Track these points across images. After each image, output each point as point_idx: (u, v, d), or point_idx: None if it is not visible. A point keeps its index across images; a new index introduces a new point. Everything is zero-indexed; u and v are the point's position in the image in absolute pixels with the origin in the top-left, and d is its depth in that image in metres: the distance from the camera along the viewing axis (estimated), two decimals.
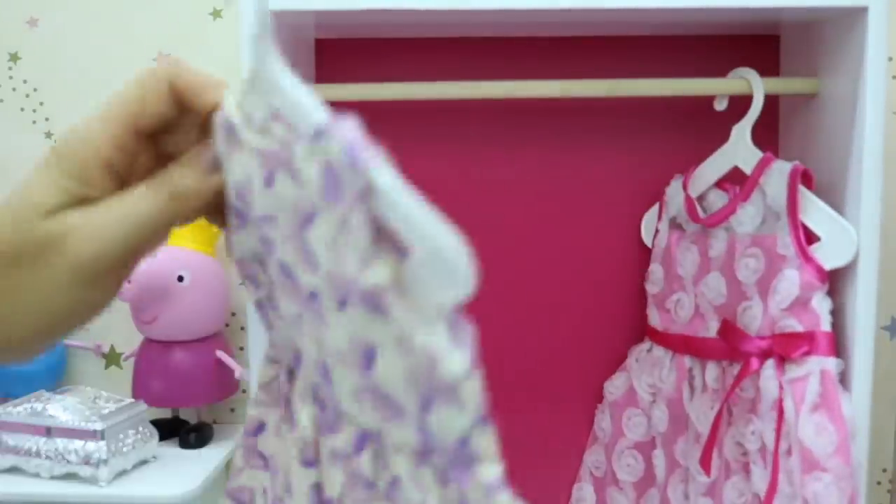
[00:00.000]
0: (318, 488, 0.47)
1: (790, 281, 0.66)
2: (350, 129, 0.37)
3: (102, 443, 0.95)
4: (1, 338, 0.41)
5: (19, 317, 0.40)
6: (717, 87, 0.71)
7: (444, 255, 0.35)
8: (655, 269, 0.79)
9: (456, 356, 0.37)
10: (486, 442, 0.39)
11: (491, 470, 0.39)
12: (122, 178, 0.43)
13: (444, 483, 0.40)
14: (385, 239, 0.37)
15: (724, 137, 0.73)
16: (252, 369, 0.65)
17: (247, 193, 0.43)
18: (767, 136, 0.79)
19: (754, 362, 0.68)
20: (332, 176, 0.38)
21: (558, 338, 0.83)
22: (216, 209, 0.45)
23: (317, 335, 0.43)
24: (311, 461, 0.47)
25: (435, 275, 0.36)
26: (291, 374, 0.48)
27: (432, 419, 0.39)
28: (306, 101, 0.38)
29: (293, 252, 0.41)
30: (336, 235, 0.39)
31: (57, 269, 0.40)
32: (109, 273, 0.42)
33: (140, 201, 0.42)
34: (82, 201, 0.42)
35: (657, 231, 0.79)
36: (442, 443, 0.39)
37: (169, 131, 0.45)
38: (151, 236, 0.43)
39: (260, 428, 0.52)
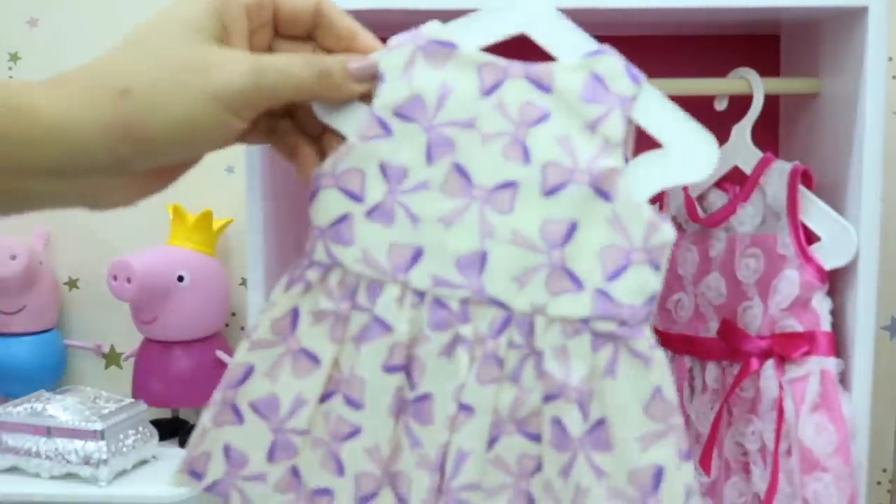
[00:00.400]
0: (399, 392, 0.52)
1: (790, 281, 0.66)
2: (617, 53, 0.50)
3: (102, 443, 0.95)
4: (146, 138, 0.44)
5: (166, 123, 0.44)
6: (717, 87, 0.71)
7: (695, 144, 0.49)
8: None
9: (669, 227, 0.49)
10: (654, 308, 0.50)
11: (652, 335, 0.49)
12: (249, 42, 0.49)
13: (596, 349, 0.50)
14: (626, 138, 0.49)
15: (724, 137, 0.73)
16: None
17: (422, 104, 0.51)
18: (767, 136, 0.79)
19: (754, 362, 0.68)
20: (596, 83, 0.49)
21: None
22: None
23: (482, 223, 0.50)
24: (395, 366, 0.51)
25: (681, 162, 0.49)
26: (364, 288, 0.52)
27: (621, 283, 0.49)
28: (576, 30, 0.51)
29: (490, 149, 0.50)
30: (572, 131, 0.50)
31: (197, 91, 0.45)
32: (245, 107, 0.47)
33: (294, 63, 0.48)
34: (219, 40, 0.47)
35: None
36: (628, 305, 0.49)
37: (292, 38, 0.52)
38: (287, 95, 0.48)
39: (248, 373, 0.54)
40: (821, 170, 0.69)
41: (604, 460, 0.50)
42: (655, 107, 0.50)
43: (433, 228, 0.51)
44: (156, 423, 1.04)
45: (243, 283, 1.13)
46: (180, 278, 1.02)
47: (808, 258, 0.65)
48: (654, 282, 0.49)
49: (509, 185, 0.50)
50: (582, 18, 0.70)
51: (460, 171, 0.51)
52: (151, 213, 1.12)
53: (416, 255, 0.51)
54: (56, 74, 0.46)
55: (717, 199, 0.75)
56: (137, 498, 0.94)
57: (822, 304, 0.65)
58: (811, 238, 0.66)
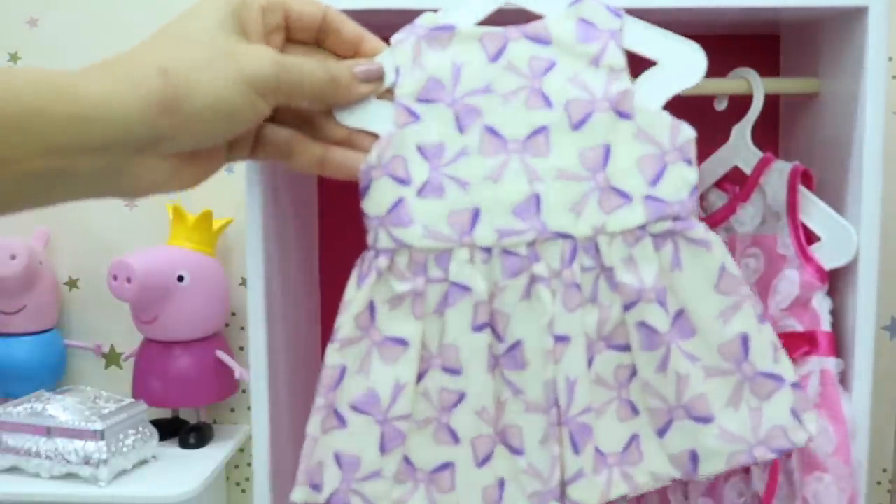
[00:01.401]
0: (490, 348, 0.56)
1: (790, 281, 0.66)
2: None
3: (102, 443, 0.95)
4: (183, 112, 0.48)
5: (202, 99, 0.48)
6: (717, 87, 0.71)
7: (683, 54, 0.56)
8: None
9: (686, 125, 0.55)
10: (697, 207, 0.55)
11: (702, 224, 0.55)
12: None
13: (658, 248, 0.55)
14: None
15: (724, 137, 0.73)
16: (252, 369, 0.65)
17: (441, 84, 0.56)
18: (767, 136, 0.79)
19: None
20: (586, 25, 0.56)
21: None
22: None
23: (526, 170, 0.55)
24: (482, 325, 0.55)
25: (676, 70, 0.56)
26: (436, 259, 0.55)
27: (664, 184, 0.55)
28: None
29: (512, 106, 0.55)
30: (579, 70, 0.55)
31: (230, 73, 0.49)
32: (271, 93, 0.51)
33: (309, 63, 0.53)
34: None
35: None
36: (676, 201, 0.55)
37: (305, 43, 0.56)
38: (303, 91, 0.53)
39: (342, 374, 0.56)
40: (821, 170, 0.69)
41: (692, 346, 0.56)
42: (641, 32, 0.57)
43: (483, 187, 0.56)
44: (156, 423, 1.04)
45: (243, 283, 1.13)
46: (180, 278, 1.02)
47: (808, 258, 0.65)
48: (691, 175, 0.55)
49: (541, 131, 0.56)
50: None
51: (492, 131, 0.56)
52: (151, 213, 1.12)
53: (475, 216, 0.56)
54: (95, 62, 0.48)
55: (717, 199, 0.75)
56: (137, 498, 0.94)
57: (822, 304, 0.65)
58: (811, 238, 0.66)
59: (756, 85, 0.69)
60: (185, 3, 1.13)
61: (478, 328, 0.55)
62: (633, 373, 0.57)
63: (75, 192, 0.48)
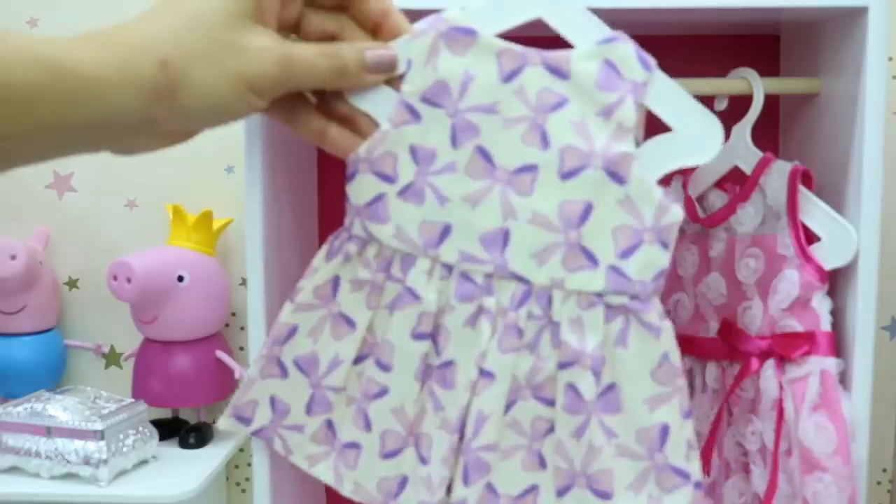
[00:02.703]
0: (425, 358, 0.57)
1: (790, 281, 0.66)
2: (630, 40, 0.53)
3: (102, 443, 0.95)
4: (179, 105, 0.48)
5: (198, 95, 0.48)
6: (717, 87, 0.71)
7: (706, 128, 0.53)
8: None
9: (677, 208, 0.53)
10: (662, 282, 0.53)
11: (660, 306, 0.54)
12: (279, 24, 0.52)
13: (609, 320, 0.54)
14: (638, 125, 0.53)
15: (724, 137, 0.73)
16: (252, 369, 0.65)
17: (448, 90, 0.54)
18: (767, 136, 0.79)
19: (754, 362, 0.68)
20: (609, 71, 0.53)
21: None
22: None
23: (505, 204, 0.54)
24: (422, 334, 0.57)
25: (691, 143, 0.53)
26: (398, 260, 0.56)
27: (633, 261, 0.53)
28: (590, 17, 0.54)
29: (510, 134, 0.54)
30: (587, 118, 0.53)
31: (230, 71, 0.48)
32: (269, 91, 0.51)
33: (315, 55, 0.52)
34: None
35: None
36: (639, 280, 0.53)
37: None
38: (307, 85, 0.53)
39: (291, 333, 0.60)
40: (821, 170, 0.69)
41: (613, 422, 0.55)
42: (666, 92, 0.54)
43: (459, 207, 0.55)
44: (156, 423, 1.04)
45: (243, 283, 1.13)
46: (180, 278, 1.02)
47: (808, 258, 0.65)
48: (662, 259, 0.54)
49: (530, 169, 0.54)
50: None
51: (483, 153, 0.55)
52: (151, 213, 1.12)
53: (445, 232, 0.56)
54: (92, 31, 0.49)
55: (717, 200, 0.75)
56: (137, 498, 0.94)
57: (822, 304, 0.65)
58: (811, 238, 0.66)
59: (756, 85, 0.69)
60: None
61: (417, 336, 0.57)
62: (552, 429, 0.57)
63: (70, 153, 0.49)
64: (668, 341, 0.54)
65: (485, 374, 0.56)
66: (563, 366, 0.55)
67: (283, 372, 0.60)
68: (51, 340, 1.11)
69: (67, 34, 0.49)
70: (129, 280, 0.98)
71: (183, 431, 1.07)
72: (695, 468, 0.56)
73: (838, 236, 0.64)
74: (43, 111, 0.45)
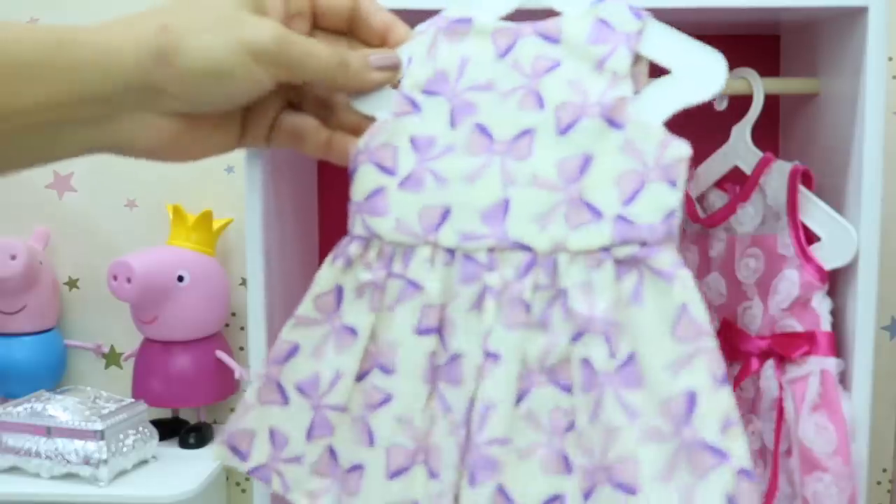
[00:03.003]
0: (432, 357, 0.51)
1: (790, 281, 0.66)
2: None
3: (102, 443, 0.95)
4: (180, 65, 0.47)
5: (200, 55, 0.48)
6: None
7: (702, 64, 0.50)
8: None
9: (682, 142, 0.49)
10: (677, 226, 0.48)
11: (676, 251, 0.48)
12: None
13: (620, 276, 0.48)
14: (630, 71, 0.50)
15: (724, 137, 0.73)
16: (252, 369, 0.65)
17: (446, 77, 0.53)
18: (767, 136, 0.79)
19: (754, 362, 0.68)
20: (601, 26, 0.51)
21: None
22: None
23: (503, 174, 0.51)
24: (428, 328, 0.51)
25: (693, 82, 0.50)
26: (399, 254, 0.53)
27: (637, 204, 0.48)
28: None
29: (507, 105, 0.52)
30: (581, 73, 0.51)
31: (230, 37, 0.48)
32: (272, 65, 0.50)
33: (318, 45, 0.52)
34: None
35: None
36: (646, 224, 0.48)
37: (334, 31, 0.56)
38: (308, 71, 0.51)
39: (292, 352, 0.55)
40: (821, 170, 0.69)
41: (636, 398, 0.48)
42: (660, 37, 0.52)
43: (458, 186, 0.52)
44: (156, 423, 1.04)
45: (243, 283, 1.13)
46: (180, 278, 1.02)
47: (808, 258, 0.65)
48: (671, 198, 0.49)
49: (526, 133, 0.52)
50: None
51: (482, 129, 0.52)
52: (151, 213, 1.12)
53: (445, 214, 0.52)
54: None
55: (717, 200, 0.75)
56: (137, 498, 0.94)
57: (822, 304, 0.65)
58: (811, 238, 0.66)
59: (756, 85, 0.69)
60: None
61: (423, 331, 0.52)
62: (574, 423, 0.50)
63: (75, 144, 0.48)
64: (685, 291, 0.47)
65: (490, 355, 0.50)
66: (575, 338, 0.49)
67: (284, 398, 0.55)
68: (51, 340, 1.11)
69: None
70: (129, 280, 0.98)
71: (183, 431, 1.07)
72: (736, 447, 0.46)
73: (838, 236, 0.64)
74: (49, 83, 0.45)
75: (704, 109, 0.72)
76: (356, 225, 0.54)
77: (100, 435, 0.95)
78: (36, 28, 0.46)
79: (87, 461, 0.95)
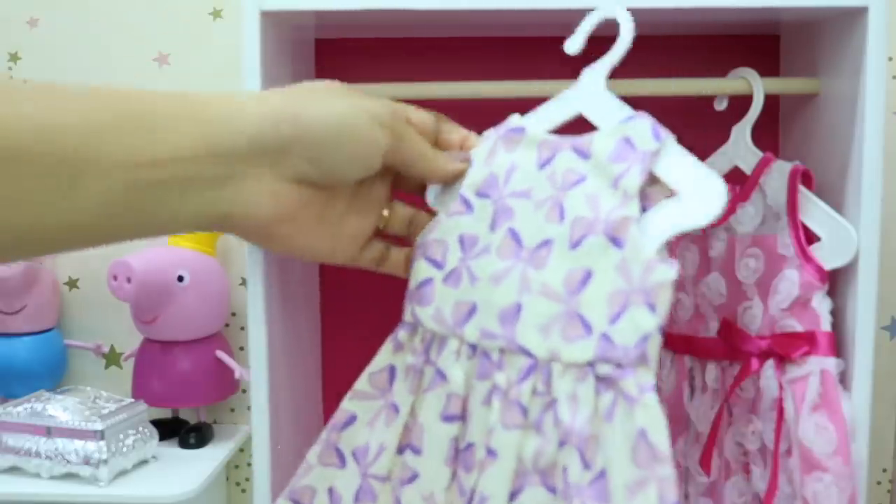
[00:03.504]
0: (455, 442, 0.56)
1: (790, 281, 0.66)
2: (649, 117, 0.55)
3: (102, 443, 0.95)
4: (304, 123, 0.51)
5: (322, 113, 0.52)
6: (717, 87, 0.71)
7: (710, 191, 0.52)
8: None
9: (668, 267, 0.51)
10: (655, 349, 0.50)
11: (649, 375, 0.50)
12: None
13: (599, 392, 0.51)
14: (641, 192, 0.53)
15: (724, 137, 0.73)
16: (252, 369, 0.65)
17: (496, 182, 0.58)
18: (767, 136, 0.79)
19: (754, 362, 0.68)
20: (625, 144, 0.54)
21: None
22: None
23: (522, 280, 0.55)
24: (451, 416, 0.56)
25: (695, 207, 0.52)
26: (435, 343, 0.57)
27: (618, 325, 0.51)
28: (619, 104, 0.57)
29: (537, 214, 0.56)
30: (600, 189, 0.54)
31: (351, 101, 0.53)
32: (388, 132, 0.54)
33: (418, 135, 0.57)
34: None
35: None
36: (621, 345, 0.50)
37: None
38: (411, 154, 0.57)
39: (350, 421, 0.60)
40: (821, 170, 0.69)
41: None
42: (673, 159, 0.54)
43: (485, 286, 0.56)
44: (156, 423, 1.04)
45: (243, 283, 1.13)
46: (180, 278, 1.02)
47: (808, 258, 0.65)
48: (648, 322, 0.50)
49: (546, 243, 0.55)
50: (583, 19, 0.70)
51: (514, 234, 0.56)
52: None
53: (471, 311, 0.56)
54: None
55: None
56: (137, 498, 0.94)
57: (822, 304, 0.65)
58: (811, 238, 0.66)
59: (756, 85, 0.69)
60: (184, 4, 1.13)
61: (447, 418, 0.56)
62: None
63: (200, 205, 0.49)
64: (646, 416, 0.49)
65: (490, 452, 0.53)
66: (560, 445, 0.52)
67: (342, 461, 0.60)
68: (51, 340, 1.11)
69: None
70: (129, 280, 0.98)
71: (183, 431, 1.07)
72: None
73: (838, 236, 0.64)
74: (179, 135, 0.47)
75: (704, 109, 0.72)
76: (407, 312, 0.59)
77: (100, 435, 0.95)
78: (166, 91, 0.49)
79: (87, 461, 0.95)
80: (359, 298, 0.82)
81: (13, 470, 0.99)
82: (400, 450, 0.58)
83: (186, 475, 0.98)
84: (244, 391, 1.13)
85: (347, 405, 0.60)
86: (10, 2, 1.12)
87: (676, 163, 0.54)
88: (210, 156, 0.48)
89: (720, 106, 0.73)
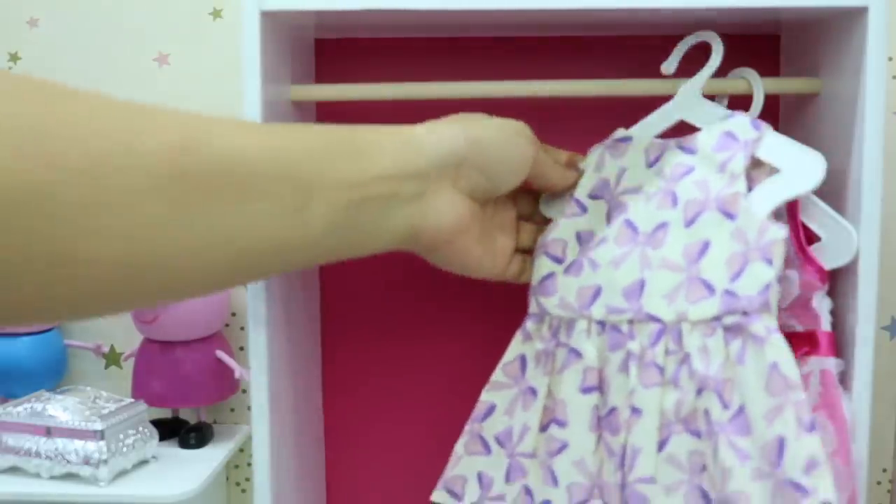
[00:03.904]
0: (596, 409, 0.64)
1: (790, 281, 0.66)
2: (747, 114, 0.65)
3: (102, 443, 0.95)
4: (475, 136, 0.60)
5: (490, 128, 0.62)
6: (717, 87, 0.70)
7: (811, 162, 0.61)
8: None
9: (779, 227, 0.60)
10: (775, 298, 0.59)
11: (772, 320, 0.59)
12: None
13: (728, 342, 0.59)
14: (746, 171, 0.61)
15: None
16: (252, 369, 0.65)
17: (608, 184, 0.67)
18: None
19: None
20: (728, 136, 0.63)
21: None
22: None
23: (642, 259, 0.63)
24: (590, 387, 0.64)
25: (798, 176, 0.61)
26: (564, 327, 0.65)
27: (741, 280, 0.59)
28: (716, 107, 0.67)
29: (650, 204, 0.64)
30: (708, 175, 0.63)
31: (510, 122, 0.63)
32: (535, 144, 0.64)
33: (546, 157, 0.66)
34: None
35: None
36: (745, 296, 0.59)
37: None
38: (545, 158, 0.66)
39: (490, 411, 0.68)
40: None
41: (746, 444, 0.57)
42: (773, 142, 0.62)
43: (607, 270, 0.64)
44: (156, 423, 1.04)
45: None
46: None
47: (808, 258, 0.65)
48: (767, 273, 0.59)
49: (662, 226, 0.64)
50: (582, 19, 0.70)
51: (629, 224, 0.65)
52: None
53: (596, 293, 0.64)
54: None
55: None
56: (137, 498, 0.94)
57: (822, 305, 0.65)
58: (811, 238, 0.66)
59: (756, 85, 0.69)
60: (184, 4, 1.13)
61: (585, 390, 0.64)
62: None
63: (399, 219, 0.56)
64: (775, 351, 0.57)
65: (634, 410, 0.61)
66: (698, 393, 0.59)
67: (487, 448, 0.68)
68: (51, 340, 1.11)
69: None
70: None
71: (183, 431, 1.07)
72: (820, 484, 0.55)
73: (838, 236, 0.64)
74: (384, 159, 0.54)
75: None
76: (532, 304, 0.67)
77: (100, 435, 0.95)
78: (365, 125, 0.56)
79: (87, 461, 0.95)
80: (359, 298, 0.82)
81: (13, 470, 0.99)
82: (542, 428, 0.65)
83: (186, 475, 0.98)
84: (244, 391, 1.13)
85: (485, 397, 0.68)
86: (10, 2, 1.12)
87: (777, 144, 0.62)
88: (405, 175, 0.55)
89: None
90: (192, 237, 0.43)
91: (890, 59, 0.76)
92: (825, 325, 0.65)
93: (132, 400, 1.02)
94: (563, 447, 0.64)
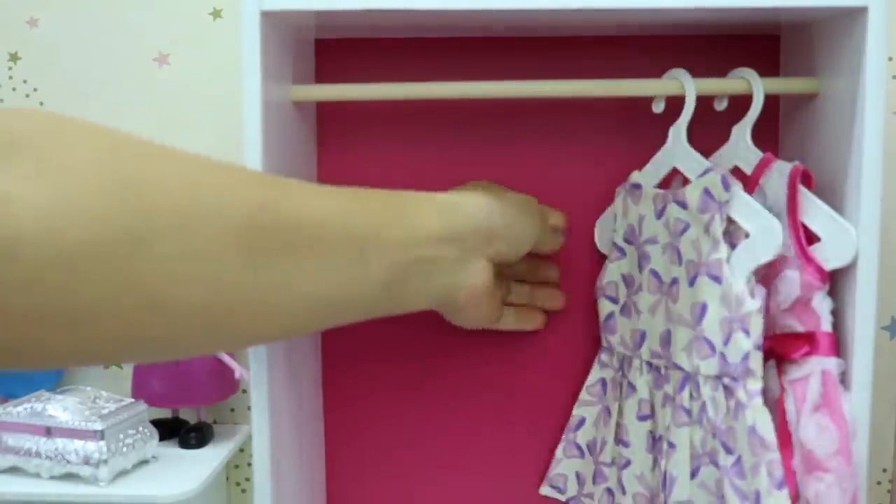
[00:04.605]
0: (651, 434, 0.73)
1: (791, 281, 0.66)
2: (722, 169, 0.67)
3: (102, 443, 0.95)
4: (500, 207, 0.66)
5: (512, 202, 0.67)
6: (718, 87, 0.71)
7: (769, 231, 0.63)
8: None
9: (754, 300, 0.64)
10: (757, 363, 0.64)
11: (756, 383, 0.64)
12: None
13: (728, 397, 0.65)
14: (725, 234, 0.66)
15: (724, 137, 0.73)
16: (252, 369, 0.65)
17: (635, 231, 0.74)
18: (767, 136, 0.79)
19: None
20: (706, 195, 0.67)
21: (554, 338, 0.83)
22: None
23: (666, 311, 0.71)
24: (644, 416, 0.74)
25: (760, 245, 0.64)
26: (625, 361, 0.76)
27: (729, 347, 0.65)
28: (699, 159, 0.70)
29: (664, 257, 0.71)
30: (699, 235, 0.67)
31: (526, 198, 0.69)
32: (544, 219, 0.72)
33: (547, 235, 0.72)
34: None
35: None
36: (732, 363, 0.65)
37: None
38: (548, 232, 0.73)
39: (581, 422, 0.79)
40: (821, 170, 0.69)
41: (744, 485, 0.65)
42: (741, 205, 0.65)
43: (647, 317, 0.73)
44: (156, 423, 1.04)
45: None
46: None
47: (808, 258, 0.65)
48: (744, 343, 0.64)
49: (675, 281, 0.70)
50: (581, 19, 0.70)
51: (655, 274, 0.72)
52: None
53: (642, 337, 0.73)
54: None
55: None
56: (137, 498, 0.94)
57: (822, 305, 0.65)
58: (811, 238, 0.66)
59: (756, 85, 0.69)
60: (184, 4, 1.13)
61: (642, 418, 0.73)
62: None
63: (438, 281, 0.59)
64: (753, 414, 0.63)
65: (670, 445, 0.70)
66: (713, 436, 0.67)
67: (581, 453, 0.79)
68: None
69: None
70: None
71: (183, 431, 1.07)
72: None
73: (838, 236, 0.64)
74: (430, 222, 0.58)
75: (704, 109, 0.72)
76: (603, 339, 0.77)
77: (100, 435, 0.95)
78: (408, 190, 0.60)
79: (87, 461, 0.95)
80: None
81: (13, 470, 0.99)
82: (616, 441, 0.76)
83: (186, 475, 0.98)
84: (244, 391, 1.13)
85: (577, 412, 0.79)
86: (10, 2, 1.12)
87: (743, 208, 0.65)
88: (450, 237, 0.59)
89: (720, 106, 0.73)
90: (266, 284, 0.48)
91: (889, 59, 0.76)
92: (826, 325, 0.65)
93: (132, 400, 1.02)
94: (628, 463, 0.74)
